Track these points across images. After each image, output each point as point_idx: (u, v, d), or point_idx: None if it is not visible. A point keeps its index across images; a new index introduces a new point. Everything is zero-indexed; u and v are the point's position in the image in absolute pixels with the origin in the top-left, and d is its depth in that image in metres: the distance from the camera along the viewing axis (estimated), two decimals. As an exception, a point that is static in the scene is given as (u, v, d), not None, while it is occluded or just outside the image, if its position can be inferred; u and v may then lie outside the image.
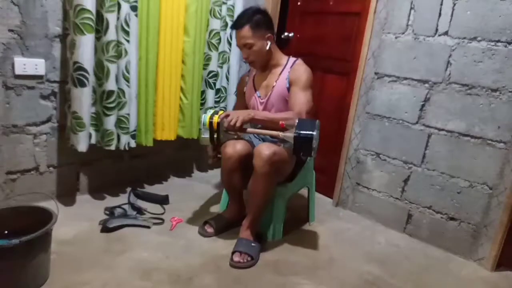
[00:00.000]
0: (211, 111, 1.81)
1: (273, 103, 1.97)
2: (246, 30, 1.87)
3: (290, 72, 1.93)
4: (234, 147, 1.86)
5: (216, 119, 1.75)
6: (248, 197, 1.92)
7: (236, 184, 1.97)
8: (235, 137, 1.92)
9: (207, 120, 1.75)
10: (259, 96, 2.03)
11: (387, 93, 2.21)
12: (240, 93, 2.22)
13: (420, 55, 2.06)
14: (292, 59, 2.00)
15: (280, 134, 1.72)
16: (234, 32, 1.97)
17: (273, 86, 1.96)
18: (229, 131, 1.80)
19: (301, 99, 1.87)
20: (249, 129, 1.87)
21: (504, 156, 1.85)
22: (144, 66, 2.20)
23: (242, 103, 2.19)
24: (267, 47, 1.93)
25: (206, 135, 1.77)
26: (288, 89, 1.92)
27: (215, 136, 1.77)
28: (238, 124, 1.73)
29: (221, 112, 1.81)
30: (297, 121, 1.68)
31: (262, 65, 2.00)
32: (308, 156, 1.82)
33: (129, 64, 2.07)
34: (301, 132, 1.63)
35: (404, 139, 2.17)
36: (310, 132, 1.62)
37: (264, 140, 2.01)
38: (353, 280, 1.75)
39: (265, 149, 1.72)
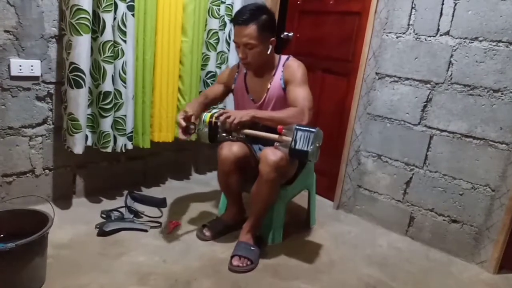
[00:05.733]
0: (212, 111, 1.79)
1: (270, 106, 1.90)
2: (253, 29, 1.72)
3: (284, 71, 1.86)
4: (230, 149, 1.83)
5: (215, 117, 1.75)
6: (248, 200, 1.89)
7: (233, 187, 1.94)
8: (234, 139, 1.89)
9: (207, 119, 1.74)
10: (252, 100, 1.95)
11: (388, 94, 2.19)
12: (220, 82, 2.08)
13: (421, 55, 2.04)
14: (283, 57, 1.92)
15: (279, 137, 1.68)
16: (234, 26, 1.80)
17: (268, 89, 1.89)
18: (227, 133, 1.76)
19: (302, 95, 1.79)
20: (246, 131, 1.83)
21: (506, 157, 1.82)
22: (141, 66, 2.18)
23: (214, 91, 2.05)
24: (269, 52, 1.82)
25: (206, 129, 1.76)
26: (284, 89, 1.86)
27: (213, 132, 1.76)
28: (235, 122, 1.67)
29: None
30: (295, 131, 1.62)
31: (257, 68, 1.90)
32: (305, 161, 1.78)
33: (126, 65, 2.05)
34: (297, 143, 1.59)
35: (406, 141, 2.15)
36: (305, 149, 1.58)
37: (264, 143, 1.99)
38: (354, 284, 1.73)
39: (271, 155, 1.69)
